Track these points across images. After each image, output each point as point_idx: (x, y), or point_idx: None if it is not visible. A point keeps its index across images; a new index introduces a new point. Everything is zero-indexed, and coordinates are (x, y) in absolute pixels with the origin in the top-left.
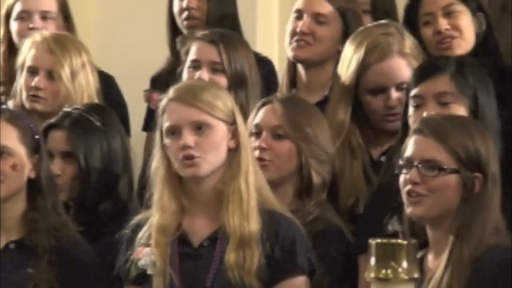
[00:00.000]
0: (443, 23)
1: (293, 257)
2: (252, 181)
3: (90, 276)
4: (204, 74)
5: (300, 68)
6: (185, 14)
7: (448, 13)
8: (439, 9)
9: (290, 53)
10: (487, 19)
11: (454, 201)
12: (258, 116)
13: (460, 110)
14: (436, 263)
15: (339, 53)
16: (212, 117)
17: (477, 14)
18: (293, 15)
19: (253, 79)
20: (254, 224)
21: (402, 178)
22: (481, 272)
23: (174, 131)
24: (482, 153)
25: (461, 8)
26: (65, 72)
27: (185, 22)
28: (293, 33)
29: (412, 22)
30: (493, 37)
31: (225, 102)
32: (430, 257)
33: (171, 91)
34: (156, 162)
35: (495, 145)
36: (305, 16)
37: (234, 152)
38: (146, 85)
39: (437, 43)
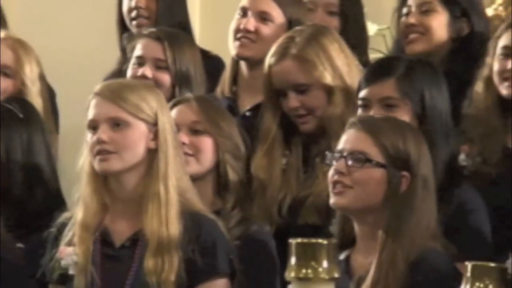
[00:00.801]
0: (414, 18)
1: (213, 259)
2: (173, 184)
3: (12, 278)
4: (147, 70)
5: (243, 66)
6: (133, 13)
7: (424, 10)
8: (417, 3)
9: (233, 51)
10: (471, 27)
11: (378, 195)
12: (172, 115)
13: (405, 113)
14: (365, 261)
15: None
16: (131, 115)
17: (460, 19)
18: (238, 13)
19: (198, 78)
20: (173, 229)
21: (330, 170)
22: (419, 277)
23: (94, 126)
24: (412, 154)
25: (439, 9)
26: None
27: (133, 22)
28: (237, 31)
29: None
30: (473, 45)
31: (150, 103)
32: (357, 255)
33: (97, 86)
34: (82, 158)
35: (448, 144)
36: (249, 13)
37: (154, 154)
38: None
39: (404, 36)
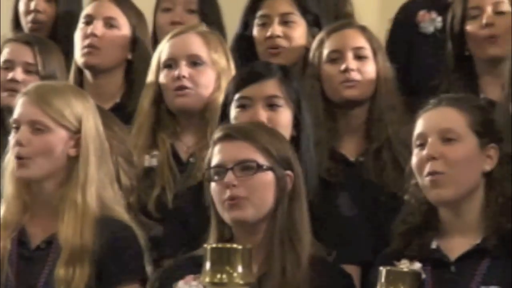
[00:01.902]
0: (277, 30)
1: (125, 264)
2: (91, 193)
3: None
4: (18, 74)
5: (88, 75)
6: (31, 16)
7: (285, 22)
8: (277, 14)
9: (80, 60)
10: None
11: (270, 200)
12: None
13: (287, 114)
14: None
15: (128, 61)
16: (53, 121)
17: (313, 28)
18: (82, 22)
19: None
20: (87, 239)
21: (214, 186)
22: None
23: (17, 126)
24: (289, 153)
25: (298, 19)
26: None
27: (29, 25)
28: (83, 39)
29: (248, 23)
30: None
31: (75, 109)
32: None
33: (28, 86)
34: (7, 156)
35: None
36: (95, 20)
37: (74, 161)
38: None
39: (267, 47)
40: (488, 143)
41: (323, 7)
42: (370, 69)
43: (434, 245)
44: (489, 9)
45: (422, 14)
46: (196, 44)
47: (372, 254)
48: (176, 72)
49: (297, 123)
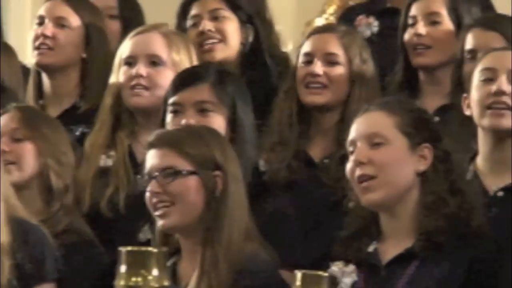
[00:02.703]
0: (208, 24)
1: (41, 265)
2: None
3: None
4: None
5: (45, 77)
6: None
7: (215, 17)
8: (206, 12)
9: (33, 60)
10: (256, 33)
11: (199, 204)
12: None
13: (219, 119)
14: (191, 268)
15: (83, 60)
16: None
17: (246, 25)
18: (35, 22)
19: (15, 86)
20: (3, 236)
21: (147, 194)
22: (244, 284)
23: None
24: (216, 154)
25: (228, 14)
26: None
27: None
28: (35, 39)
29: (182, 28)
30: (262, 52)
31: None
32: (184, 263)
33: None
34: None
35: (253, 154)
36: (46, 21)
37: None
38: None
39: (200, 45)
40: (420, 143)
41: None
42: (340, 74)
43: (371, 248)
44: (422, 19)
45: (360, 18)
46: (157, 44)
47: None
48: (133, 71)
49: (233, 127)
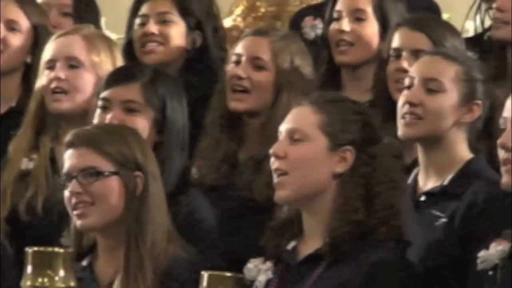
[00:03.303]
0: (152, 27)
1: None
2: None
3: None
4: None
5: None
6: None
7: (163, 20)
8: (154, 14)
9: None
10: (204, 39)
11: (119, 205)
12: None
13: (144, 120)
14: (110, 270)
15: (27, 65)
16: None
17: (194, 31)
18: None
19: None
20: None
21: (65, 194)
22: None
23: None
24: (137, 154)
25: (176, 19)
26: None
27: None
28: None
29: (132, 26)
30: (209, 57)
31: None
32: (100, 263)
33: None
34: None
35: (181, 158)
36: None
37: None
38: None
39: (142, 45)
40: (343, 144)
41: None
42: (264, 78)
43: (290, 246)
44: (347, 15)
45: (307, 19)
46: (76, 46)
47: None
48: (52, 74)
49: (160, 129)
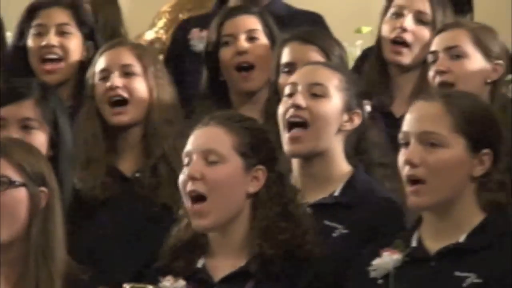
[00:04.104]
0: (53, 39)
1: None
2: None
3: None
4: None
5: None
6: None
7: (62, 32)
8: (52, 25)
9: None
10: (96, 49)
11: (23, 217)
12: None
13: (42, 136)
14: (7, 284)
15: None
16: None
17: (87, 42)
18: None
19: None
20: None
21: None
22: None
23: None
24: (44, 170)
25: (74, 30)
26: None
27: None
28: None
29: (23, 33)
30: None
31: None
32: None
33: None
34: None
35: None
36: None
37: None
38: None
39: (41, 58)
40: (255, 164)
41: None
42: (139, 86)
43: (200, 264)
44: (242, 37)
45: (194, 31)
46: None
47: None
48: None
49: (53, 144)
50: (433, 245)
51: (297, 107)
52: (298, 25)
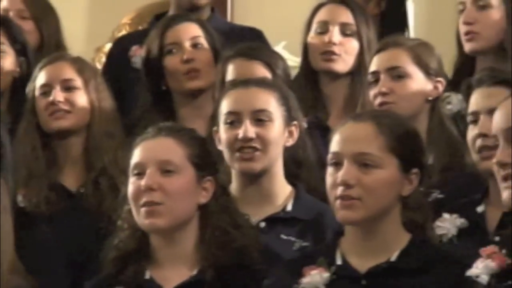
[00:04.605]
0: None
1: None
2: None
3: None
4: None
5: None
6: None
7: None
8: None
9: None
10: (28, 65)
11: None
12: None
13: None
14: None
15: None
16: None
17: (20, 58)
18: None
19: None
20: None
21: None
22: None
23: None
24: None
25: (7, 49)
26: None
27: None
28: None
29: None
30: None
31: None
32: None
33: None
34: None
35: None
36: None
37: None
38: None
39: None
40: (205, 175)
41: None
42: (80, 100)
43: (147, 275)
44: (187, 44)
45: (134, 49)
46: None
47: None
48: None
49: None
50: (361, 263)
51: (248, 139)
52: (240, 40)
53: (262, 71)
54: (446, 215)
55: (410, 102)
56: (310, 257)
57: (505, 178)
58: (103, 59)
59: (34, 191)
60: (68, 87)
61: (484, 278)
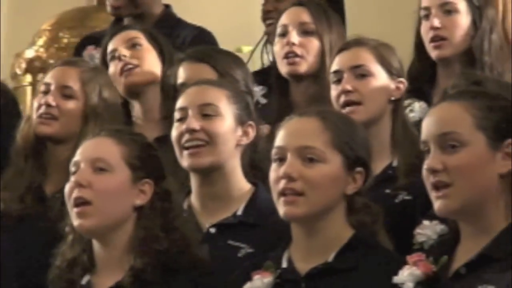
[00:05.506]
0: None
1: None
2: None
3: None
4: None
5: None
6: None
7: None
8: None
9: None
10: None
11: None
12: None
13: None
14: None
15: None
16: None
17: None
18: None
19: None
20: None
21: None
22: None
23: None
24: None
25: None
26: None
27: None
28: None
29: None
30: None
31: None
32: None
33: None
34: None
35: None
36: None
37: None
38: None
39: None
40: (142, 177)
41: None
42: (71, 108)
43: (85, 280)
44: (122, 47)
45: (89, 48)
46: None
47: None
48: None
49: None
50: (303, 266)
51: (191, 131)
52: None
53: (211, 74)
54: (426, 222)
55: (374, 101)
56: (264, 261)
57: (436, 187)
58: (23, 65)
59: (12, 192)
60: (66, 95)
61: (409, 286)
